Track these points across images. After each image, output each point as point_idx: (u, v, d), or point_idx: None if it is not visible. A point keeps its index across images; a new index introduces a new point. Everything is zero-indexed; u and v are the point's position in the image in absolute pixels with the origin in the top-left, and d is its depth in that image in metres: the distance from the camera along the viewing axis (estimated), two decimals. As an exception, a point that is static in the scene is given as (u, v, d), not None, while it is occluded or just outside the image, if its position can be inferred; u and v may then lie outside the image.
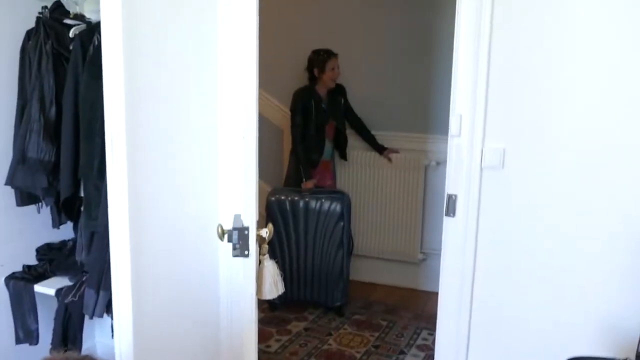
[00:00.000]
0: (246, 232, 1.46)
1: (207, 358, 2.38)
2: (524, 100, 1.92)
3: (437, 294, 3.25)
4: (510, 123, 1.95)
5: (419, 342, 3.08)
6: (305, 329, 3.22)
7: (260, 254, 1.52)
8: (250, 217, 1.46)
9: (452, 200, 2.04)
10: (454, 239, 2.05)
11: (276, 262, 1.55)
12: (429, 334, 3.15)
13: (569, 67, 1.86)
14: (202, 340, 2.33)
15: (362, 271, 3.95)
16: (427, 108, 3.72)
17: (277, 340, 3.06)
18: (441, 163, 3.67)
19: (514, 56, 1.91)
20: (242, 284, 1.51)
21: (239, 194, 1.53)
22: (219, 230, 1.52)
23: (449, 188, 2.04)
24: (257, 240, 1.49)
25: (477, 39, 1.91)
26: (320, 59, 3.58)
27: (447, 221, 2.06)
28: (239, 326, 2.28)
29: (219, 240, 2.22)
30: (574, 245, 1.91)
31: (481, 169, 1.99)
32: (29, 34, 2.26)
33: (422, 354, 2.93)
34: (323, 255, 3.34)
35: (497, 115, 1.96)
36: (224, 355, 2.44)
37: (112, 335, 1.99)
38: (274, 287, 1.53)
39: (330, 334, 3.16)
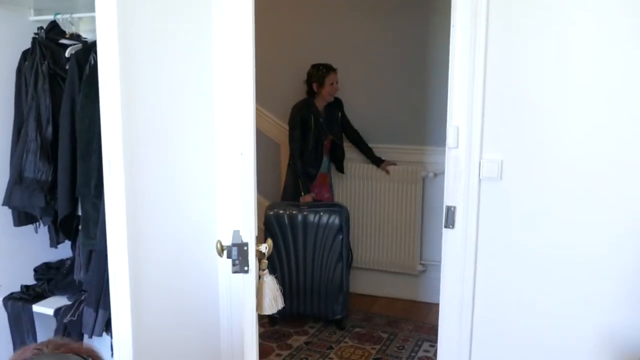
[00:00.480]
0: (245, 248, 1.46)
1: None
2: (521, 111, 1.93)
3: (437, 305, 3.24)
4: (507, 134, 1.96)
5: (421, 354, 3.06)
6: (306, 343, 3.20)
7: (259, 269, 1.51)
8: (249, 232, 1.46)
9: (451, 211, 2.04)
10: (454, 250, 2.05)
11: (275, 277, 1.54)
12: (430, 345, 3.14)
13: (566, 78, 1.87)
14: (202, 358, 2.31)
15: (362, 284, 3.94)
16: (424, 120, 3.74)
17: (278, 355, 3.04)
18: (439, 174, 3.68)
19: (510, 68, 1.93)
20: (242, 299, 1.50)
21: (237, 210, 1.53)
22: (218, 246, 1.51)
23: (448, 200, 2.04)
24: (256, 255, 1.48)
25: (473, 51, 1.93)
26: (319, 74, 3.60)
27: (446, 233, 2.06)
28: (240, 342, 2.26)
29: (218, 257, 2.22)
30: (574, 255, 1.91)
31: (479, 180, 1.99)
32: (25, 55, 2.27)
33: (423, 367, 2.92)
34: (322, 269, 3.33)
35: (494, 127, 1.97)
36: (225, 373, 2.42)
37: (112, 354, 1.98)
38: (274, 303, 1.53)
39: (332, 348, 3.14)
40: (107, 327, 1.99)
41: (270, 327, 3.37)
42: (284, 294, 3.45)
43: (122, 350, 1.89)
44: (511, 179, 1.97)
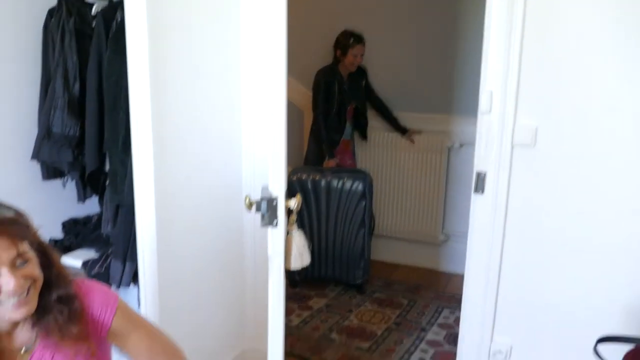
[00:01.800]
0: (274, 202, 1.45)
1: (231, 328, 2.40)
2: (559, 76, 1.86)
3: (458, 275, 3.23)
4: (543, 100, 1.90)
5: (441, 320, 3.06)
6: (327, 305, 3.22)
7: (288, 224, 1.50)
8: (279, 187, 1.45)
9: (481, 177, 2.00)
10: (482, 216, 2.02)
11: (304, 232, 1.53)
12: (450, 312, 3.14)
13: (605, 42, 1.80)
14: (227, 311, 2.35)
15: (383, 251, 3.95)
16: (451, 88, 3.66)
17: (298, 316, 3.07)
18: (464, 145, 3.63)
19: (549, 30, 1.85)
20: (269, 254, 1.50)
21: (266, 165, 1.52)
22: (247, 201, 1.51)
23: (479, 165, 2.00)
24: (285, 210, 1.47)
25: (510, 12, 1.86)
26: (345, 43, 3.54)
27: (475, 198, 2.03)
28: (265, 298, 2.28)
29: (245, 212, 2.23)
30: (605, 225, 1.87)
31: (512, 146, 1.94)
32: (51, 12, 2.26)
33: (444, 332, 2.92)
34: (345, 234, 3.33)
35: (529, 92, 1.90)
36: (249, 327, 2.46)
37: (139, 305, 2.02)
38: (300, 258, 1.52)
39: (351, 311, 3.16)
40: (134, 278, 2.02)
41: (291, 289, 3.40)
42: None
43: (149, 301, 1.92)
44: (545, 146, 1.91)
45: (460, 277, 3.60)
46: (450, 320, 3.03)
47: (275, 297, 1.52)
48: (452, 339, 2.78)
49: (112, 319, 1.18)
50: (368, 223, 3.36)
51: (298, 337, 2.80)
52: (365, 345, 2.75)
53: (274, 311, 1.54)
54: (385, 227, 3.93)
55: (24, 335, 1.12)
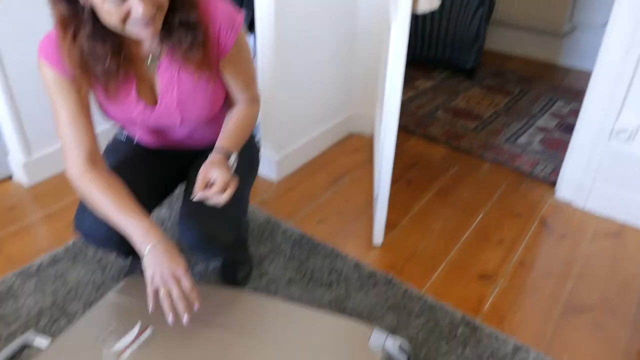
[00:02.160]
0: None
1: (339, 92, 2.43)
2: None
3: (578, 70, 2.98)
4: None
5: (553, 110, 2.91)
6: (433, 87, 3.15)
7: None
8: None
9: None
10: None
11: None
12: (565, 103, 2.97)
13: None
14: (336, 74, 2.35)
15: (498, 41, 3.69)
16: None
17: (404, 94, 3.04)
18: None
19: None
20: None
21: None
22: None
23: None
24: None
25: None
26: None
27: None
28: (373, 66, 2.24)
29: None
30: None
31: None
32: None
33: (556, 120, 2.79)
34: (460, 14, 3.09)
35: None
36: (357, 92, 2.49)
37: (255, 54, 2.05)
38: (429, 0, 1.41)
39: (458, 94, 3.07)
40: (251, 27, 2.02)
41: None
42: (416, 38, 3.28)
43: (265, 51, 1.93)
44: None
45: (581, 73, 3.34)
46: (564, 112, 2.88)
47: (399, 44, 1.45)
48: (564, 127, 2.67)
49: (234, 42, 1.18)
50: (487, 3, 3.07)
51: (403, 112, 2.80)
52: (472, 125, 2.71)
53: (395, 57, 1.49)
54: (504, 12, 3.60)
55: (152, 46, 1.17)
